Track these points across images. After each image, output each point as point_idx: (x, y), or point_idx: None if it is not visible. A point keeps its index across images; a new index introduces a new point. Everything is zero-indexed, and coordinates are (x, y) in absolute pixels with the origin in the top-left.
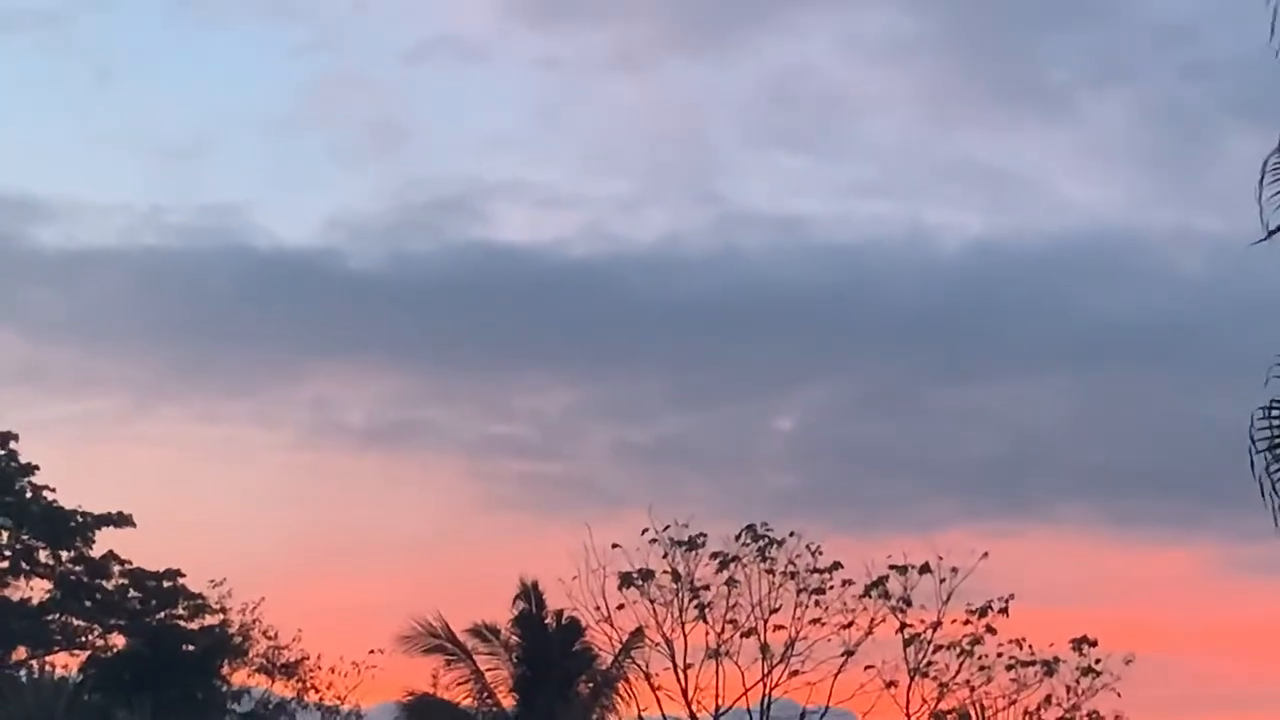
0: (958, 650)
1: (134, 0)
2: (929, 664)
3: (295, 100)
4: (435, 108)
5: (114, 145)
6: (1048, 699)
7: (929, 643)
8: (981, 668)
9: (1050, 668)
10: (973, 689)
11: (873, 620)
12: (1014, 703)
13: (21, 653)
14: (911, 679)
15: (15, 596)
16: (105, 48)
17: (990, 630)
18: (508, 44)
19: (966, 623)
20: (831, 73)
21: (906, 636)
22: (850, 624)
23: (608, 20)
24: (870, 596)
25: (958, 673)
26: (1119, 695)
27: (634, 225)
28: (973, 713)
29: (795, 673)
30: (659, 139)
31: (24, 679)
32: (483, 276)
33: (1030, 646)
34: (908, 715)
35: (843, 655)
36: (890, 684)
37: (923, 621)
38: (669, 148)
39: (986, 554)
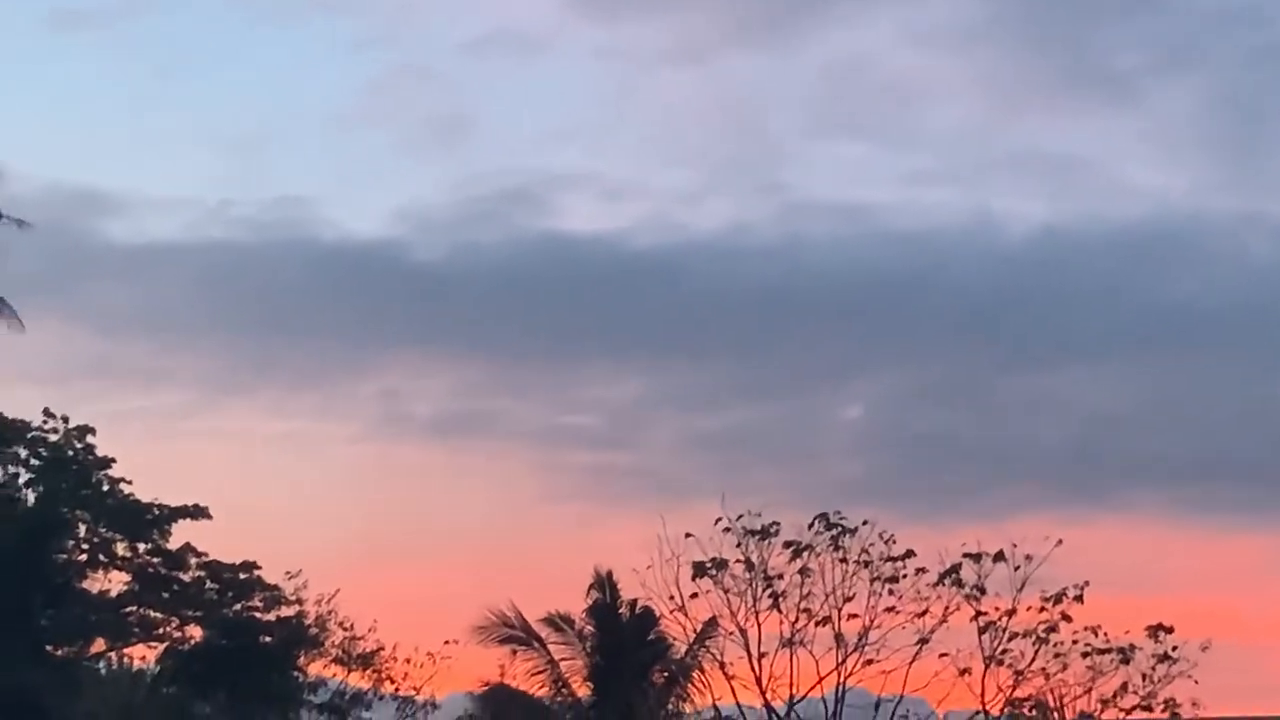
0: (1033, 638)
1: None
2: (1004, 652)
3: (359, 94)
4: (497, 100)
5: (181, 140)
6: (1124, 686)
7: (1004, 630)
8: (1057, 655)
9: (1126, 655)
10: (1048, 677)
11: (947, 608)
12: (1090, 690)
13: (100, 645)
14: (986, 667)
15: (94, 589)
16: (170, 44)
17: (1065, 618)
18: (568, 36)
19: (1041, 610)
20: (893, 61)
21: (981, 624)
22: (924, 612)
23: (667, 12)
24: (944, 584)
25: (1033, 660)
26: (1195, 683)
27: (698, 215)
28: (1048, 701)
29: (869, 661)
30: (721, 129)
31: (103, 671)
32: (548, 267)
33: (1106, 634)
34: (983, 703)
35: (917, 643)
36: (964, 672)
37: (997, 609)
38: (732, 138)
39: (1061, 541)
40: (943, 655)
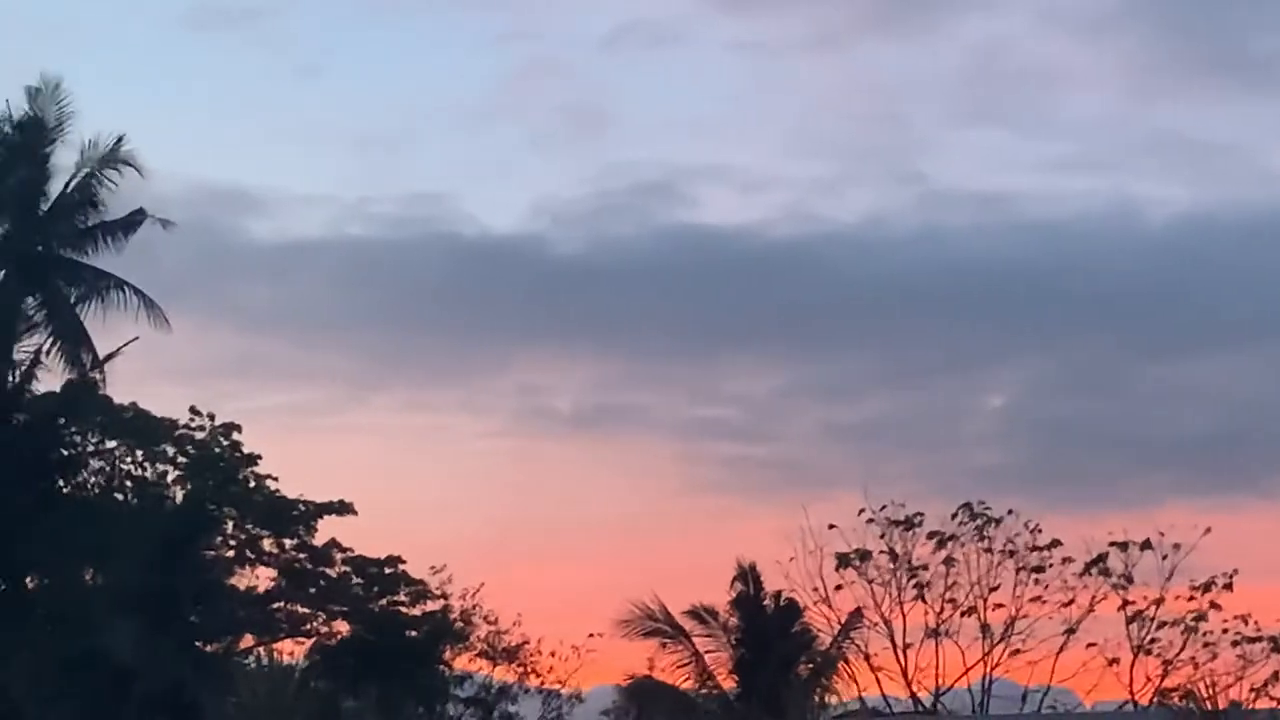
0: (1181, 627)
1: None
2: (1152, 641)
3: (496, 89)
4: (634, 93)
5: (319, 138)
6: (1275, 675)
7: (1152, 620)
8: (1206, 644)
9: (1277, 643)
10: (1197, 666)
11: (1094, 598)
12: (1240, 679)
13: (248, 640)
14: (1135, 657)
15: (241, 585)
16: (307, 42)
17: (1214, 606)
18: (704, 27)
19: (1190, 599)
20: (1032, 48)
21: (1129, 614)
22: (1071, 602)
23: (804, 2)
24: (1091, 574)
25: (1182, 650)
26: None
27: (836, 206)
28: (1198, 690)
29: (1016, 652)
30: (859, 119)
31: (251, 666)
32: (686, 259)
33: (1256, 622)
34: (1131, 694)
35: (1064, 633)
36: (1113, 662)
37: (1145, 598)
38: (869, 127)
39: (1209, 529)
40: (1090, 645)
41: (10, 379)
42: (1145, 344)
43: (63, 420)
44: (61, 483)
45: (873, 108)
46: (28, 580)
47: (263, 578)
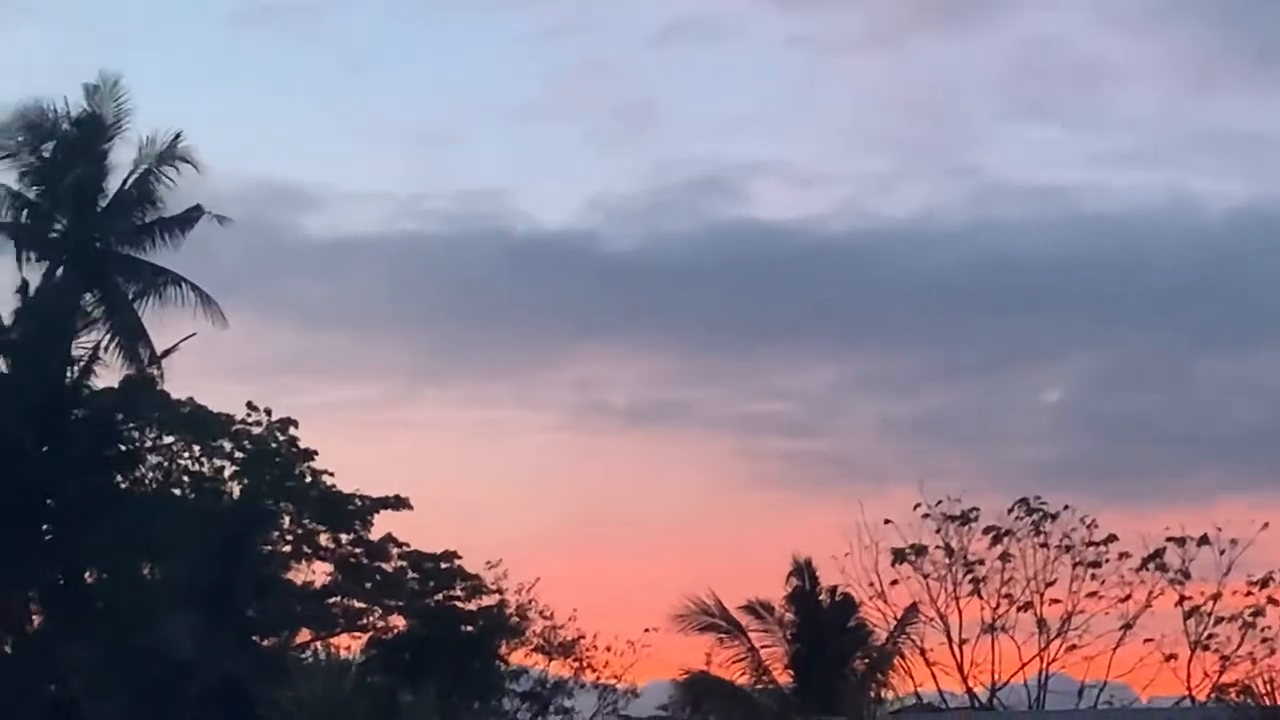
0: (1239, 622)
1: None
2: (1209, 637)
3: (548, 85)
4: (686, 88)
5: (372, 134)
6: None
7: (1209, 615)
8: (1264, 640)
9: None
10: (1255, 662)
11: (1150, 593)
12: None
13: (305, 635)
14: (1192, 652)
15: (298, 580)
16: (359, 38)
17: (1273, 602)
18: (756, 23)
19: (1247, 594)
20: (1085, 41)
21: (1186, 609)
22: (1127, 597)
23: None
24: (1148, 569)
25: (1239, 645)
26: None
27: (890, 201)
28: (1256, 686)
29: (1072, 647)
30: (912, 114)
31: (308, 661)
32: (741, 255)
33: None
34: (1189, 689)
35: (1121, 629)
36: (1170, 657)
37: (1202, 594)
38: (922, 122)
39: (1266, 525)
40: (1147, 641)
41: (69, 375)
42: (1201, 338)
43: (121, 416)
44: (120, 478)
45: (926, 102)
46: (86, 575)
47: (319, 572)
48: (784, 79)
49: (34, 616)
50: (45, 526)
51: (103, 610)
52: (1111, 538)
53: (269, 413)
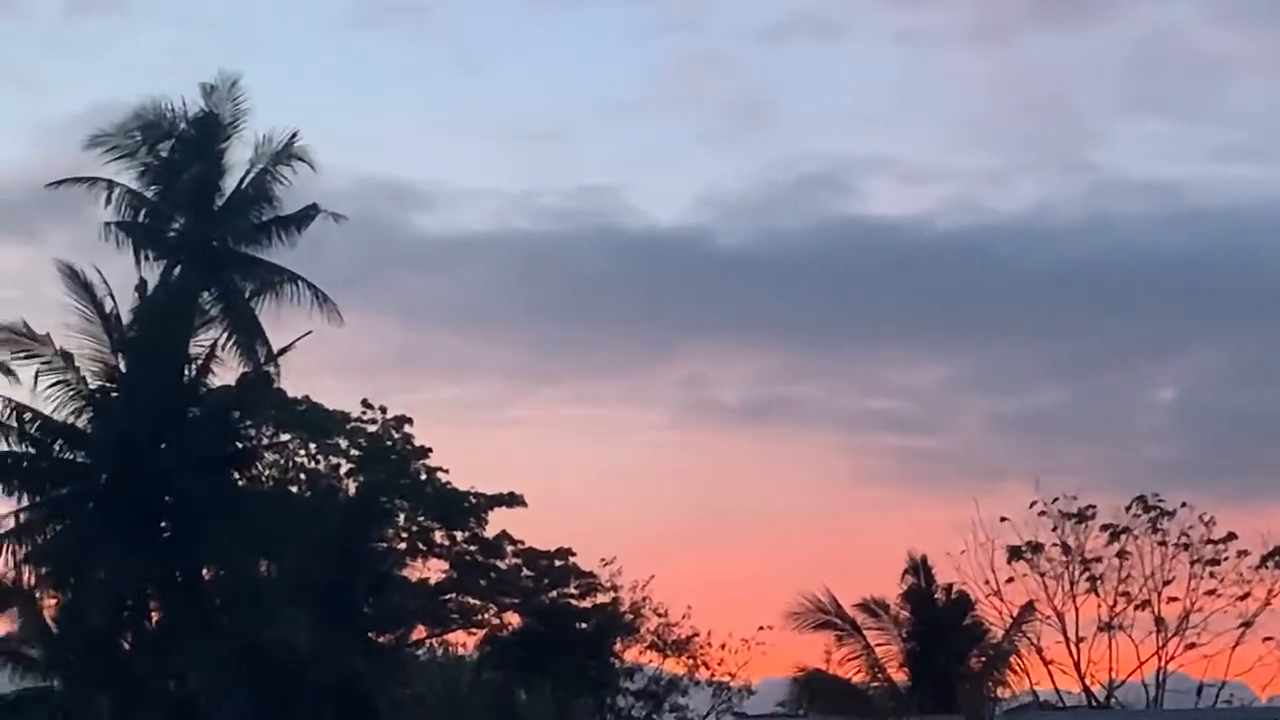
0: None
1: None
2: None
3: (658, 81)
4: (797, 85)
5: (483, 132)
6: None
7: None
8: None
9: None
10: None
11: (1270, 591)
12: None
13: (421, 631)
14: None
15: (413, 577)
16: (470, 36)
17: None
18: (867, 19)
19: None
20: (1199, 36)
21: None
22: (1246, 595)
23: None
24: (1266, 567)
25: None
26: None
27: (1003, 196)
28: None
29: (1191, 645)
30: (1024, 109)
31: (424, 657)
32: (852, 252)
33: None
34: None
35: (1239, 627)
36: None
37: None
38: (1035, 118)
39: None
40: (1266, 639)
41: (187, 373)
42: None
43: (238, 414)
44: (237, 476)
45: (1039, 97)
46: (204, 572)
47: (434, 569)
48: (895, 74)
49: (152, 614)
50: (163, 524)
51: (220, 608)
52: (1230, 535)
53: (384, 410)
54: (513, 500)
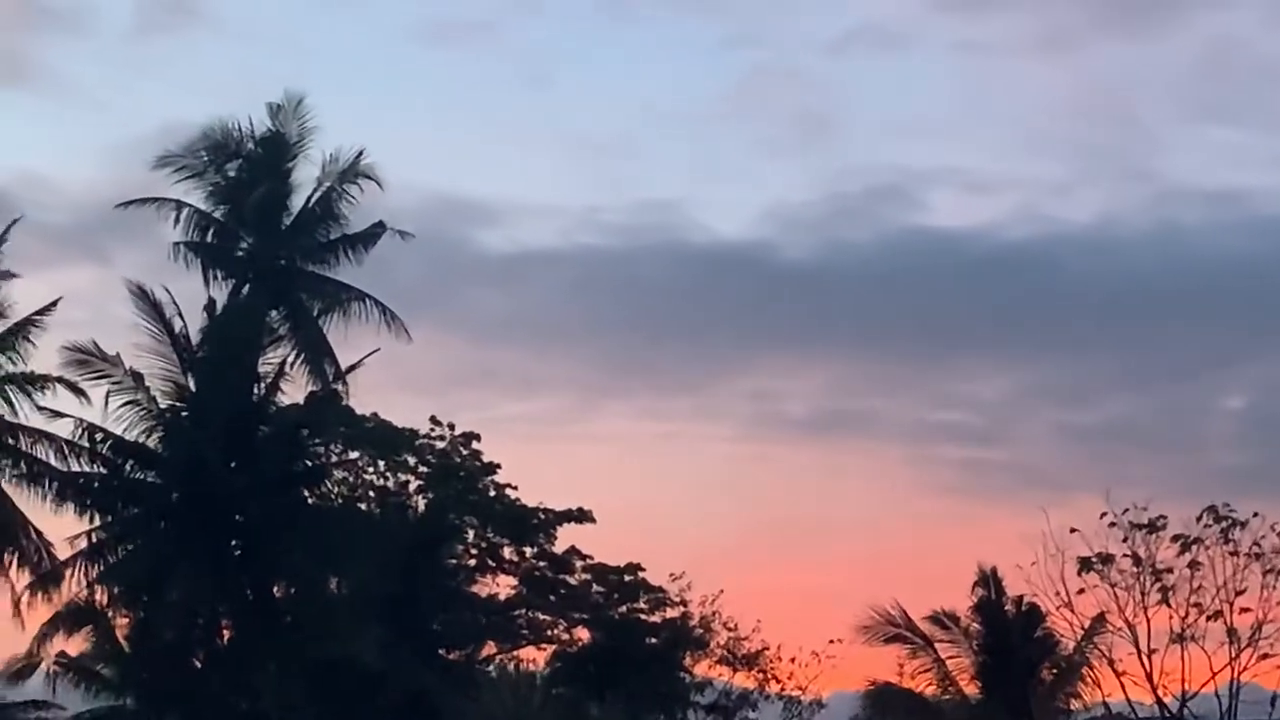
0: None
1: (561, 4)
2: None
3: (722, 95)
4: (862, 97)
5: (548, 147)
6: None
7: None
8: None
9: None
10: None
11: None
12: None
13: (491, 647)
14: None
15: (483, 593)
16: (535, 52)
17: None
18: (931, 31)
19: None
20: (1264, 44)
21: None
22: None
23: (1030, 3)
24: None
25: None
26: None
27: (1068, 206)
28: None
29: (1264, 656)
30: (1089, 119)
31: (494, 673)
32: (918, 263)
33: None
34: None
35: None
36: None
37: None
38: (1100, 127)
39: None
40: None
41: (256, 392)
42: None
43: (307, 432)
44: (306, 493)
45: (1103, 106)
46: (275, 589)
47: (504, 585)
48: (958, 85)
49: (224, 632)
50: (234, 541)
51: (292, 624)
52: None
53: (452, 427)
54: (581, 516)
